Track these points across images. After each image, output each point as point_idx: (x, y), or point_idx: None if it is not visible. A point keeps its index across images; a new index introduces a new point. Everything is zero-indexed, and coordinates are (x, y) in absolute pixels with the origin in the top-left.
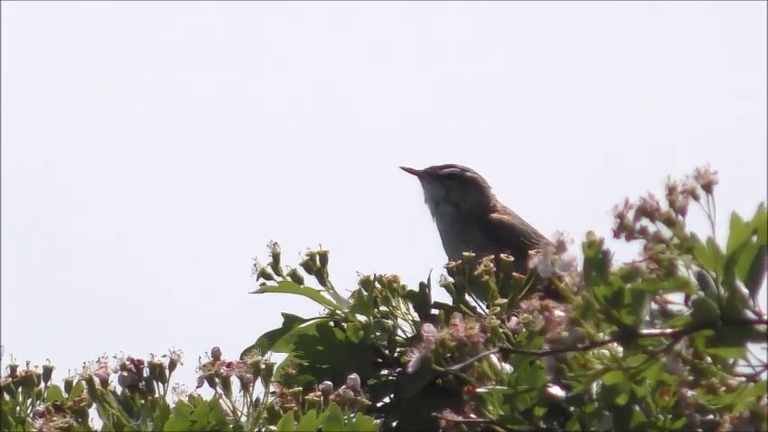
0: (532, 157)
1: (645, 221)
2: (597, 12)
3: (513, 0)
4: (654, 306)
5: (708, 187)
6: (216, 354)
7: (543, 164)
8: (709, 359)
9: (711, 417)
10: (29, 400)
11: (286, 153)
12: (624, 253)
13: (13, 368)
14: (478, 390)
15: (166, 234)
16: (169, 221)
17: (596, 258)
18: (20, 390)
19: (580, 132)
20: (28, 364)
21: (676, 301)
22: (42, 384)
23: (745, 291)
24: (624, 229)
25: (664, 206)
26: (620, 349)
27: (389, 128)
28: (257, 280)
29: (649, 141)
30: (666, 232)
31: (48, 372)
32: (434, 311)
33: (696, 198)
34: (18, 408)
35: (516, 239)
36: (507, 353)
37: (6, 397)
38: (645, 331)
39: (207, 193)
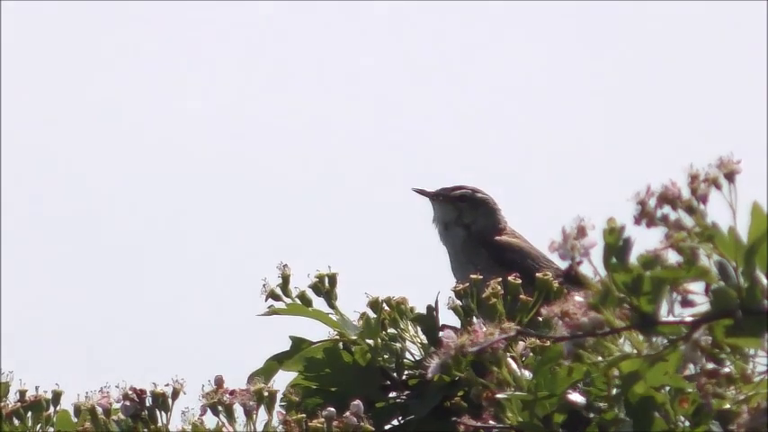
0: (535, 169)
1: (666, 209)
2: (600, 13)
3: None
4: (673, 295)
5: (730, 176)
6: (219, 382)
7: (546, 174)
8: (727, 349)
9: (728, 407)
10: (38, 426)
11: (296, 173)
12: (644, 241)
13: (23, 393)
14: (498, 396)
15: (173, 253)
16: (176, 240)
17: (617, 245)
18: (29, 415)
19: (582, 137)
20: (37, 388)
21: (696, 290)
22: (51, 409)
23: (765, 281)
24: (645, 216)
25: (686, 194)
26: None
27: (396, 146)
28: (266, 301)
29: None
30: (688, 221)
31: (56, 397)
32: (442, 334)
33: (718, 187)
34: None
35: (524, 262)
36: (528, 336)
37: (15, 422)
38: (664, 319)
39: (216, 211)
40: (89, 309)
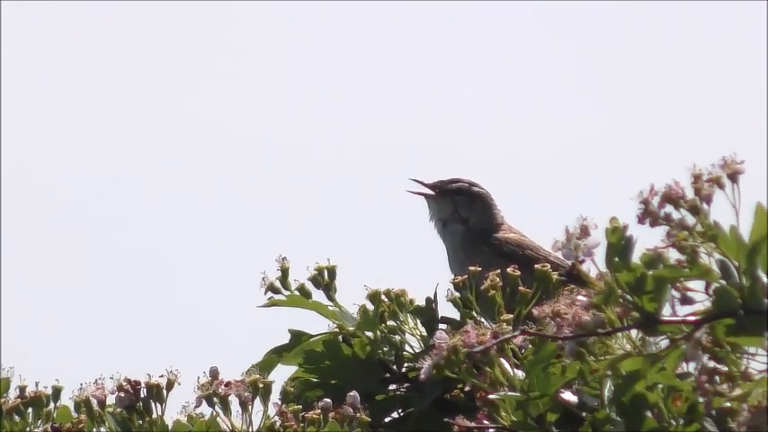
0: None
1: (669, 208)
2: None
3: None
4: (675, 293)
5: (733, 176)
6: (214, 373)
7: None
8: (728, 348)
9: (728, 405)
10: (38, 422)
11: (293, 167)
12: (646, 240)
13: (22, 389)
14: (491, 396)
15: (174, 246)
16: (176, 232)
17: (619, 244)
18: (29, 411)
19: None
20: (37, 384)
21: (698, 289)
22: (51, 405)
23: (766, 280)
24: (649, 215)
25: (689, 194)
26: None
27: (395, 139)
28: (265, 294)
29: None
30: (690, 220)
31: (56, 392)
32: (441, 326)
33: (721, 187)
34: (27, 429)
35: (523, 257)
36: (530, 336)
37: (16, 418)
38: (666, 318)
39: (215, 205)
40: (85, 304)
